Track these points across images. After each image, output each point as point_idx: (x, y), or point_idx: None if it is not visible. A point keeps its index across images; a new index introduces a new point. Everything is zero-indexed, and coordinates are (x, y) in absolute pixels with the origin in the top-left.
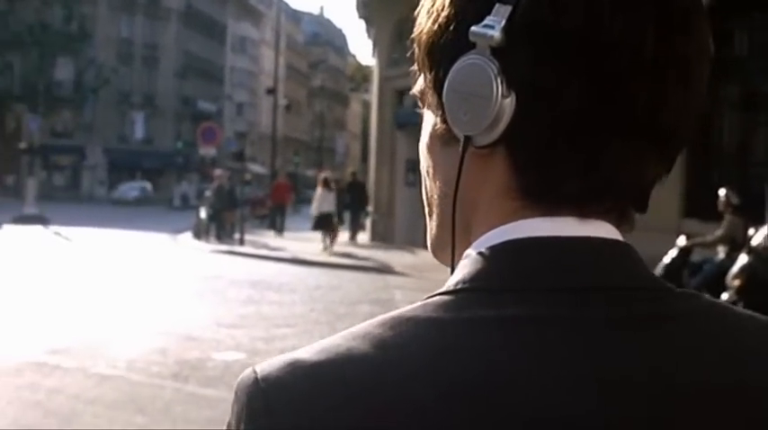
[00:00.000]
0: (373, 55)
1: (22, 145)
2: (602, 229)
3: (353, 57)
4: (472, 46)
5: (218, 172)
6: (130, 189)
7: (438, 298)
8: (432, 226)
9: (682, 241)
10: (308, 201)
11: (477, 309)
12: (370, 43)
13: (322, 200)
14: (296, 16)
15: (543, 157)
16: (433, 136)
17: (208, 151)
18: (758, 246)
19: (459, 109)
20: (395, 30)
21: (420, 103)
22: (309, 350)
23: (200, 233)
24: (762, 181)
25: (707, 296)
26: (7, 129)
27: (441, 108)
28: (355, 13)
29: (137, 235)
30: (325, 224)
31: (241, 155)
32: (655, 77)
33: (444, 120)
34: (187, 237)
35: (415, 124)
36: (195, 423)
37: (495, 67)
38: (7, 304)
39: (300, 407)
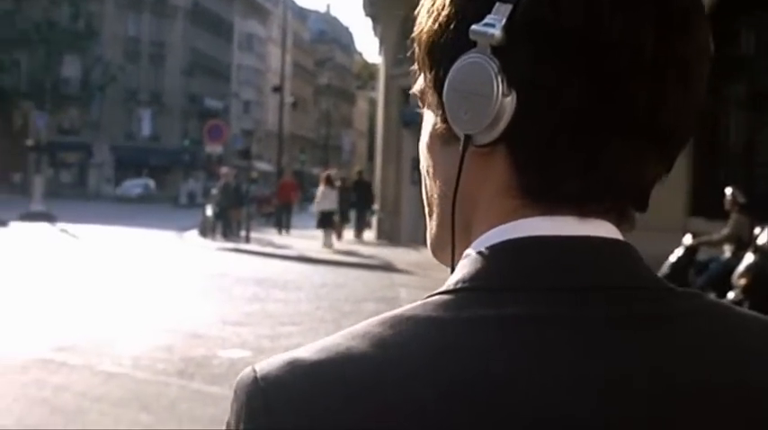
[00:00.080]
0: (380, 53)
1: (30, 142)
2: (603, 229)
3: (360, 54)
4: (473, 45)
5: (224, 169)
6: (134, 186)
7: (438, 297)
8: (431, 225)
9: (688, 240)
10: (314, 199)
11: (476, 309)
12: (376, 41)
13: (324, 197)
14: (302, 14)
15: (543, 156)
16: (433, 135)
17: (214, 149)
18: (764, 244)
19: (460, 108)
20: (401, 28)
21: (420, 103)
22: (309, 349)
23: (206, 231)
24: None
25: (709, 296)
26: (14, 126)
27: (441, 107)
28: (362, 11)
29: (143, 232)
30: (328, 222)
31: (247, 152)
32: (654, 77)
33: (444, 120)
34: (193, 234)
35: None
36: (200, 420)
37: (495, 65)
38: (14, 301)
39: (300, 407)
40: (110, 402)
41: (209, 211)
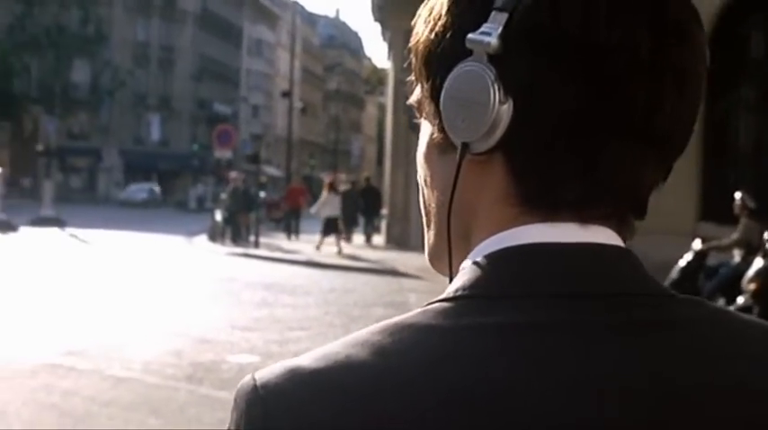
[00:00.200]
0: (389, 58)
1: (39, 147)
2: (603, 235)
3: (369, 59)
4: (469, 53)
5: (233, 174)
6: (139, 191)
7: (437, 305)
8: (429, 235)
9: (697, 245)
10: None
11: (476, 316)
12: (385, 46)
13: (326, 203)
14: (311, 19)
15: (541, 162)
16: (430, 145)
17: (223, 154)
18: None
19: (457, 116)
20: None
21: (417, 113)
22: (309, 357)
23: (215, 235)
24: None
25: (711, 303)
26: (24, 131)
27: (438, 116)
28: (371, 16)
29: (152, 237)
30: (332, 228)
31: (256, 157)
32: (651, 81)
33: (441, 129)
34: (202, 239)
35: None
36: (209, 425)
37: (492, 73)
38: (23, 306)
39: (299, 415)
40: (119, 407)
41: (219, 216)
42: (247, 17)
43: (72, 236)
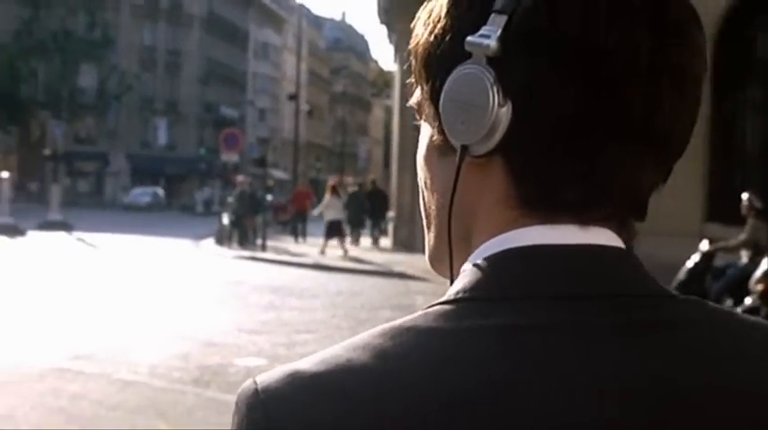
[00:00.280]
0: (395, 60)
1: (47, 151)
2: (603, 236)
3: (375, 62)
4: (468, 56)
5: (240, 178)
6: (143, 194)
7: (438, 307)
8: (430, 237)
9: (704, 245)
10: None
11: (477, 318)
12: (391, 49)
13: (329, 206)
14: (318, 22)
15: (541, 165)
16: (430, 147)
17: (230, 157)
18: None
19: (456, 119)
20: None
21: (417, 115)
22: (310, 361)
23: (222, 239)
24: None
25: (710, 303)
26: (32, 136)
27: (437, 119)
28: (377, 19)
29: (159, 241)
30: (336, 231)
31: (263, 160)
32: (650, 82)
33: (441, 131)
34: (209, 242)
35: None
36: (216, 428)
37: (491, 76)
38: (30, 310)
39: (300, 418)
40: (126, 410)
41: (226, 220)
42: (253, 20)
43: (79, 240)
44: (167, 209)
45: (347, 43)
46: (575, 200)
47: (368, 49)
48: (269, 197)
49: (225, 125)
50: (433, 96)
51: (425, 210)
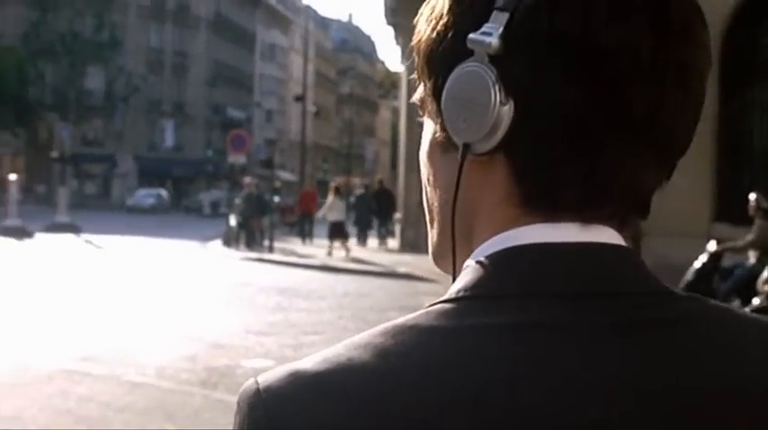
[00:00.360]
0: (402, 61)
1: (54, 154)
2: (604, 235)
3: (382, 63)
4: (470, 53)
5: (247, 179)
6: (146, 196)
7: (440, 306)
8: (432, 234)
9: (712, 246)
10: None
11: (479, 317)
12: (398, 49)
13: (332, 208)
14: (324, 23)
15: (543, 163)
16: (432, 144)
17: (237, 159)
18: None
19: (458, 116)
20: None
21: (420, 112)
22: (311, 360)
23: (229, 240)
24: None
25: (708, 299)
26: (39, 138)
27: (440, 115)
28: (383, 20)
29: (167, 242)
30: (338, 232)
31: (270, 162)
32: (652, 81)
33: (444, 128)
34: (217, 244)
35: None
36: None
37: (493, 74)
38: (38, 312)
39: (301, 418)
40: (134, 412)
41: (233, 221)
42: (260, 22)
43: (87, 242)
44: (171, 210)
45: (354, 44)
46: (576, 198)
47: (375, 50)
48: (276, 199)
49: (232, 127)
50: (436, 93)
51: (428, 206)
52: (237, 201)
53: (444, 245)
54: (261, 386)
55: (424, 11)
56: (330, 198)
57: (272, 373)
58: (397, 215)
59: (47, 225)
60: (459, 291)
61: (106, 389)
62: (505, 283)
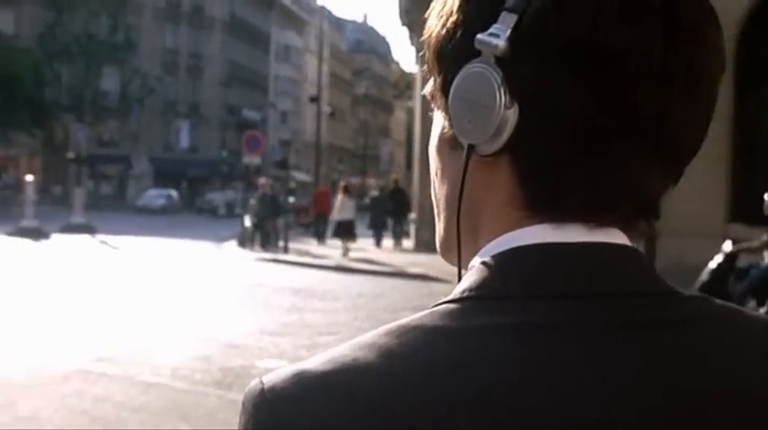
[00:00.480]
0: (417, 62)
1: (70, 155)
2: (609, 235)
3: (397, 64)
4: (478, 53)
5: (262, 180)
6: (157, 197)
7: (445, 306)
8: (439, 227)
9: (727, 246)
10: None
11: (484, 317)
12: (413, 50)
13: (342, 207)
14: (339, 24)
15: (548, 166)
16: (441, 139)
17: (252, 159)
18: None
19: (464, 117)
20: None
21: (432, 104)
22: (316, 360)
23: (244, 241)
24: None
25: (715, 299)
26: (55, 139)
27: (448, 112)
28: (398, 21)
29: (182, 243)
30: (345, 231)
31: (285, 163)
32: (661, 84)
33: (452, 125)
34: (232, 245)
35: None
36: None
37: (498, 76)
38: (54, 312)
39: (306, 419)
40: (149, 412)
41: (248, 222)
42: (275, 23)
43: (102, 242)
44: (182, 211)
45: (369, 45)
46: (581, 200)
47: (389, 51)
48: (291, 199)
49: (247, 127)
50: (445, 89)
51: (436, 199)
52: (252, 201)
53: (451, 238)
54: (266, 386)
55: (436, 5)
56: (339, 197)
57: (276, 374)
58: (412, 215)
59: (63, 226)
60: (464, 292)
61: (121, 389)
62: (510, 284)
